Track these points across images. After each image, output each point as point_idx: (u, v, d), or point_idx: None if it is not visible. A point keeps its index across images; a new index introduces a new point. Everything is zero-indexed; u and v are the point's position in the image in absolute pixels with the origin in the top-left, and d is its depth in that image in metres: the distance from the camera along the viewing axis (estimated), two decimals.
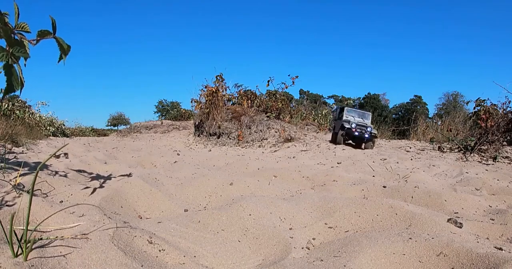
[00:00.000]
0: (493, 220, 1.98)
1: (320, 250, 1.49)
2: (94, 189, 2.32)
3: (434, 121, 15.49)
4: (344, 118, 8.84)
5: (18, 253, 1.10)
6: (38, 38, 1.33)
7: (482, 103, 8.52)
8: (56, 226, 1.43)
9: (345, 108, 9.27)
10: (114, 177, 2.78)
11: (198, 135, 10.54)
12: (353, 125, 8.18)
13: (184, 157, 5.72)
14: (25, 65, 1.32)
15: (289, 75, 11.62)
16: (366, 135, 7.98)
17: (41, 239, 1.22)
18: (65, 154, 4.79)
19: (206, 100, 10.41)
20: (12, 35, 1.26)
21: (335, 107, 11.59)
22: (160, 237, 1.48)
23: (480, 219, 2.01)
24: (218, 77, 10.64)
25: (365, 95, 39.80)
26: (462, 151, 6.81)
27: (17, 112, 8.68)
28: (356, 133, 8.02)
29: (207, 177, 2.82)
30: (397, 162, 5.41)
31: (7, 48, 1.22)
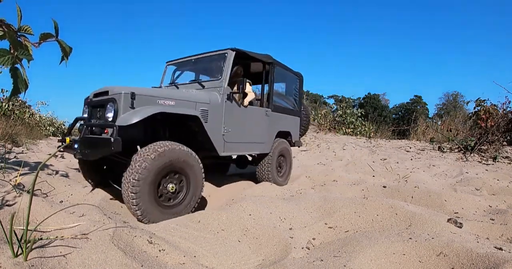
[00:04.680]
0: (493, 220, 1.98)
1: (320, 250, 1.49)
2: (94, 189, 2.32)
3: (434, 121, 15.51)
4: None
5: (18, 253, 1.09)
6: (41, 41, 1.34)
7: (482, 103, 8.51)
8: (56, 226, 1.43)
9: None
10: None
11: None
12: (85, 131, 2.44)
13: None
14: (28, 66, 1.34)
15: None
16: (75, 145, 2.17)
17: (41, 239, 1.22)
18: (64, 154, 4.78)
19: None
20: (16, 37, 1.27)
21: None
22: (160, 237, 1.48)
23: (480, 219, 2.01)
24: None
25: (365, 95, 39.75)
26: (462, 151, 6.81)
27: (17, 112, 8.68)
28: (75, 146, 2.21)
29: (206, 176, 2.82)
30: (397, 162, 5.41)
31: (12, 52, 1.24)
